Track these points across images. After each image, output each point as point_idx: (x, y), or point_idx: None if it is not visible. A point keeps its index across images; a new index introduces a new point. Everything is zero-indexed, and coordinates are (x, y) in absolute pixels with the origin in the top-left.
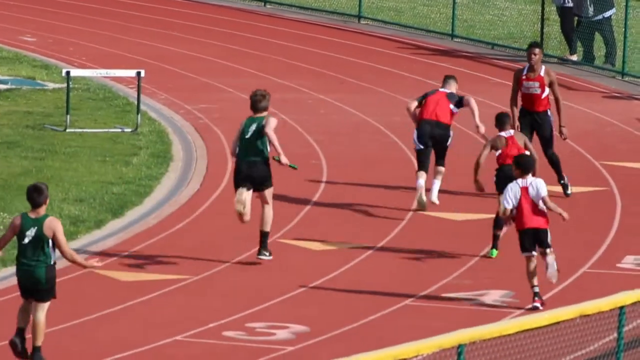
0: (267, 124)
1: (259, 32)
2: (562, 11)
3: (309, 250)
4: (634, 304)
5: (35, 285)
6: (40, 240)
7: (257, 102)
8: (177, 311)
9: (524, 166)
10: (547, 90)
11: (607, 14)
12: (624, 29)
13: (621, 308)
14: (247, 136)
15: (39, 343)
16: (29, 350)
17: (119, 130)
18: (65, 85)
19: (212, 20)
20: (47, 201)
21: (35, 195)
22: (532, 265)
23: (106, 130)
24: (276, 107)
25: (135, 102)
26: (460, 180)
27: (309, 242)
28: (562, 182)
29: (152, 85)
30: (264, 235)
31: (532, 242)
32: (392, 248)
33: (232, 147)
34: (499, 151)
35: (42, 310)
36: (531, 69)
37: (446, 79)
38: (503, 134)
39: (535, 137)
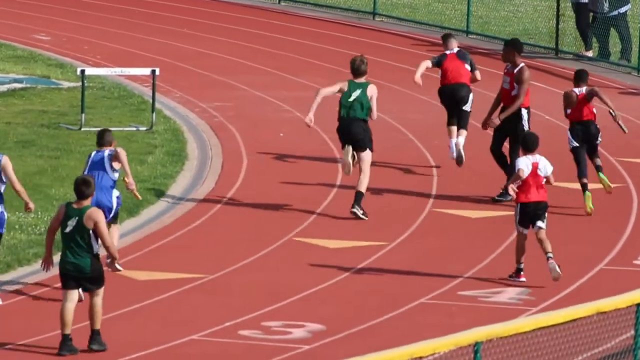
0: (371, 92)
1: (273, 30)
2: (578, 7)
3: (324, 248)
4: None
5: (81, 274)
6: (81, 230)
7: (359, 67)
8: (192, 310)
9: (529, 145)
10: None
11: (622, 10)
12: (639, 25)
13: (638, 305)
14: (350, 99)
15: (98, 326)
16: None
17: (134, 128)
18: (80, 84)
19: (226, 17)
20: (93, 194)
21: (84, 188)
22: (523, 241)
23: (121, 128)
24: (291, 105)
25: (150, 101)
26: (477, 178)
27: (324, 240)
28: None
29: (167, 84)
30: (358, 194)
31: (530, 217)
32: (408, 245)
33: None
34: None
35: (98, 296)
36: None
37: (446, 38)
38: (576, 90)
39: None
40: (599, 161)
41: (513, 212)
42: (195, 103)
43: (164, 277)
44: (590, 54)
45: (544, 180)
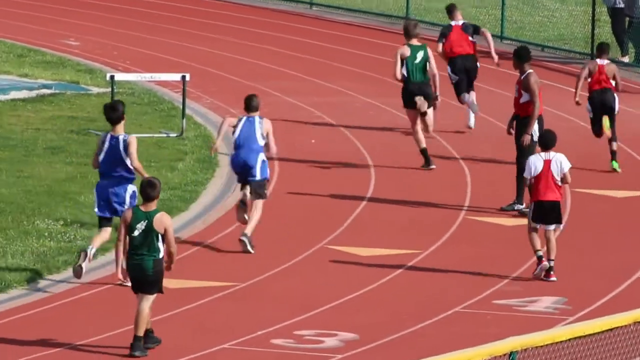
0: (430, 56)
1: (305, 35)
2: (613, 12)
3: (357, 256)
4: None
5: (144, 277)
6: (149, 233)
7: (412, 29)
8: (224, 318)
9: (546, 142)
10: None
11: None
12: None
13: None
14: (416, 61)
15: (141, 333)
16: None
17: (164, 135)
18: (109, 89)
19: (257, 22)
20: (159, 196)
21: (149, 190)
22: (535, 232)
23: (151, 135)
24: (323, 111)
25: (181, 107)
26: (513, 187)
27: (357, 248)
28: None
29: (198, 89)
30: (423, 150)
31: (544, 215)
32: (441, 254)
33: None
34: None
35: (147, 302)
36: None
37: (451, 9)
38: (598, 60)
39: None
40: (615, 145)
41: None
42: (225, 109)
43: (195, 285)
44: (626, 59)
45: (560, 179)
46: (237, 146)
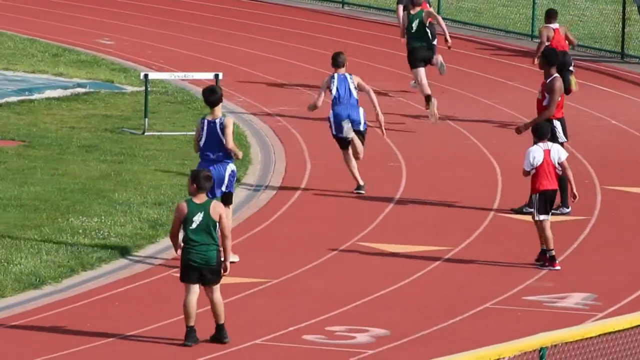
0: (427, 15)
1: (337, 34)
2: None
3: (388, 252)
4: None
5: (207, 267)
6: (207, 224)
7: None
8: (256, 314)
9: (540, 133)
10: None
11: None
12: None
13: None
14: (413, 30)
15: (222, 321)
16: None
17: None
18: (143, 88)
19: (290, 22)
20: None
21: (203, 181)
22: (549, 226)
23: (184, 133)
24: None
25: None
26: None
27: (388, 245)
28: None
29: (230, 88)
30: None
31: (549, 204)
32: (472, 250)
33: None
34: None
35: (217, 291)
36: None
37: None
38: (551, 25)
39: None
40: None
41: (577, 218)
42: (258, 107)
43: (227, 281)
44: None
45: (559, 167)
46: (338, 102)
